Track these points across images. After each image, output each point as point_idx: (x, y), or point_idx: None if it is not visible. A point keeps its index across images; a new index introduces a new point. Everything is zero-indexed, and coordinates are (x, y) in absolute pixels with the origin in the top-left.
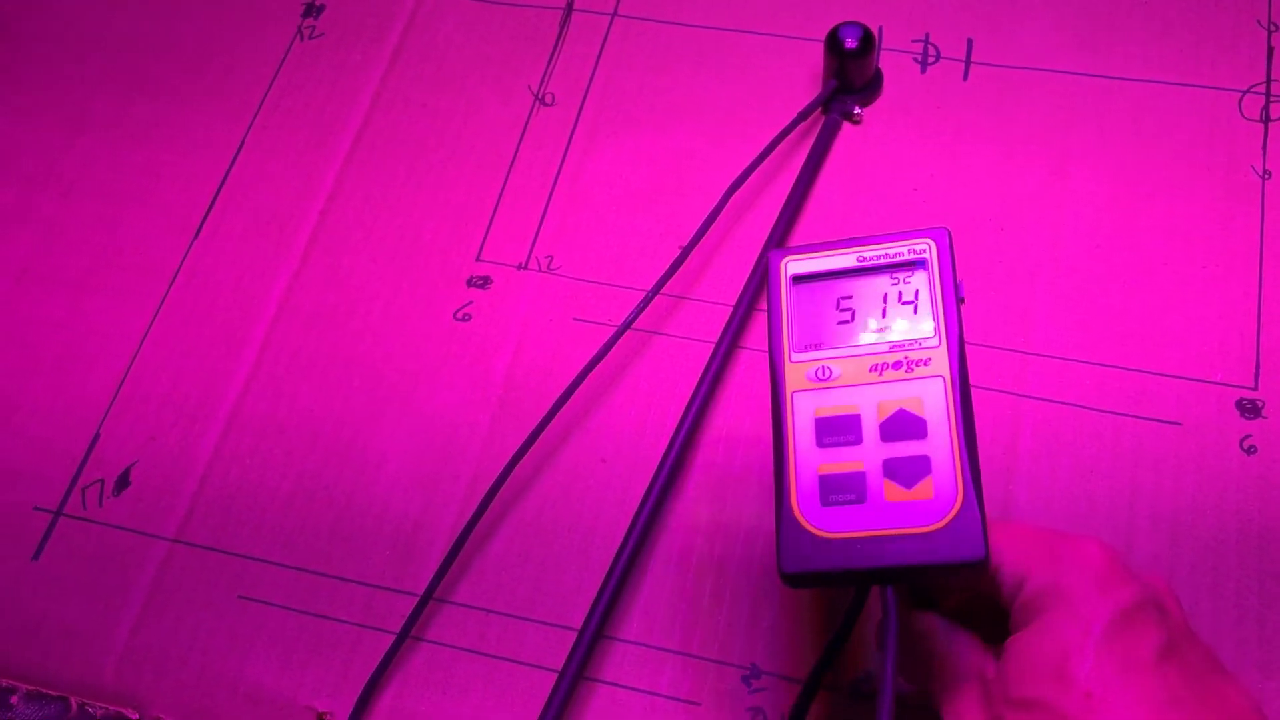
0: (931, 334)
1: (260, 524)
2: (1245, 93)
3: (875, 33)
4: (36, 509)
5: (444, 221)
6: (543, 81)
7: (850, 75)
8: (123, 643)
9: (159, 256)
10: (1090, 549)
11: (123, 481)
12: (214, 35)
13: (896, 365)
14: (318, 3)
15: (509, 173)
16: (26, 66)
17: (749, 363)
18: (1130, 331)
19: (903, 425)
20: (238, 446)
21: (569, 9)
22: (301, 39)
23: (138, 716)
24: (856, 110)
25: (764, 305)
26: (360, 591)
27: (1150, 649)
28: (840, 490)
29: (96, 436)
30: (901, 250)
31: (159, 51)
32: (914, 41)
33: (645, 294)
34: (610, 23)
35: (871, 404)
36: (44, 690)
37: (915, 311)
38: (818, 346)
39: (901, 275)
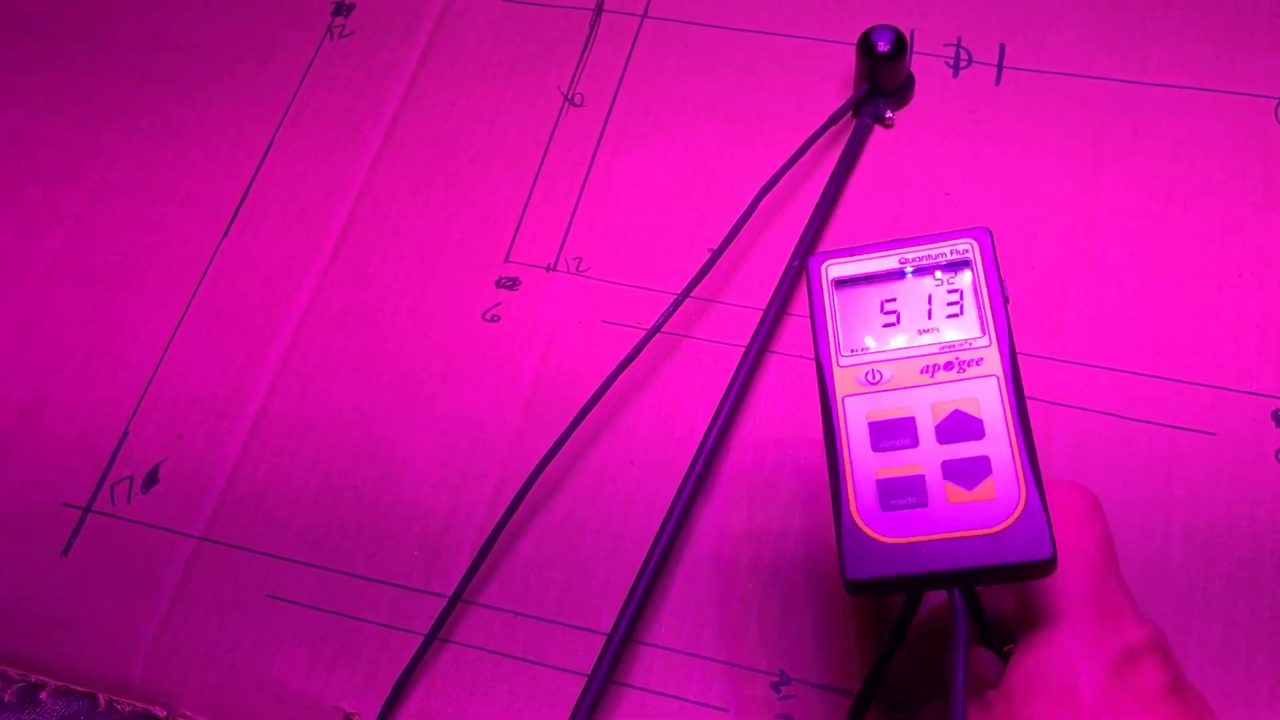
0: (980, 333)
1: (288, 523)
2: None
3: (907, 36)
4: (65, 505)
5: (472, 222)
6: (572, 82)
7: (882, 79)
8: (150, 640)
9: (188, 254)
10: (1088, 538)
11: (151, 479)
12: (244, 34)
13: (948, 366)
14: (347, 2)
15: (538, 174)
16: (56, 64)
17: (778, 367)
18: (1164, 339)
19: (959, 426)
20: (265, 444)
21: (599, 9)
22: (331, 38)
23: (165, 714)
24: (888, 114)
25: (795, 310)
26: (388, 592)
27: (1157, 685)
28: (900, 494)
29: (125, 434)
30: (944, 251)
31: (189, 50)
32: (946, 45)
33: (675, 297)
34: (640, 24)
35: (925, 406)
36: (72, 686)
37: (961, 312)
38: (865, 350)
39: (945, 276)
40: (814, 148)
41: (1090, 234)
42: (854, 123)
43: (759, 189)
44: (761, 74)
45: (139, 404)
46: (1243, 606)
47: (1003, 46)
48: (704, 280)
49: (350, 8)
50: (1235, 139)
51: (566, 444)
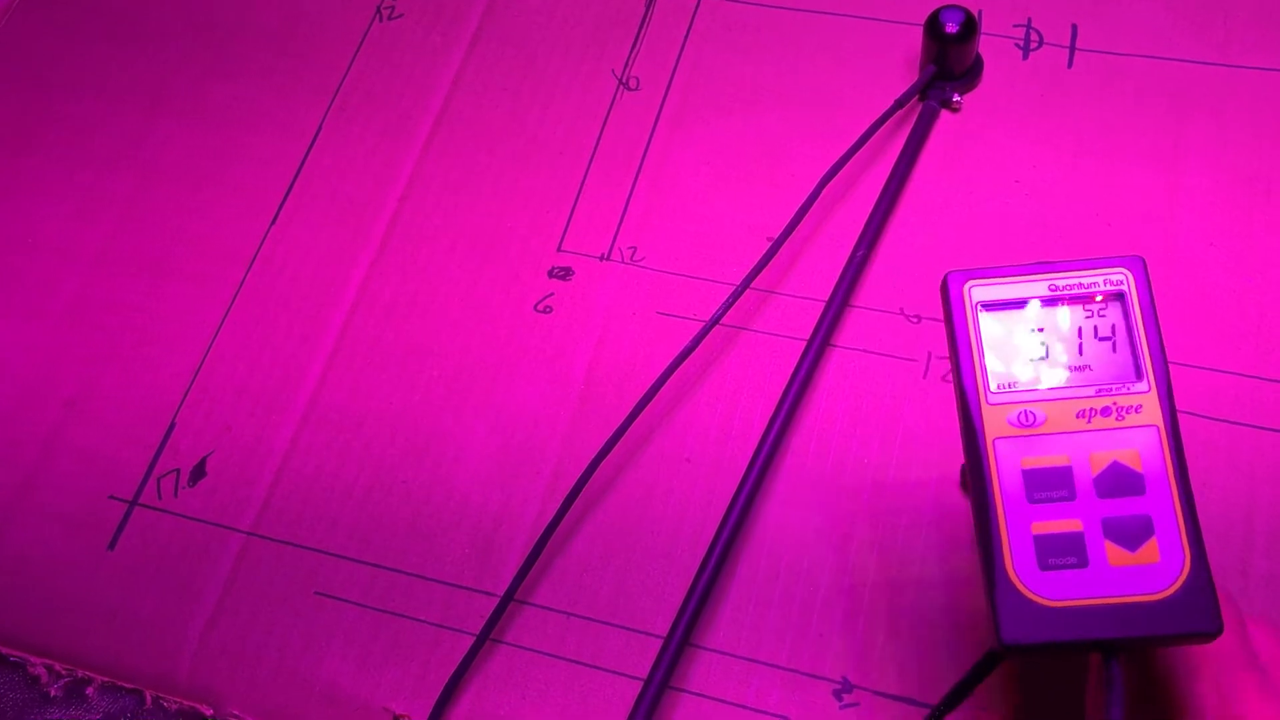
0: (1138, 377)
1: (337, 518)
2: None
3: (977, 16)
4: (112, 498)
5: (525, 210)
6: (627, 65)
7: (950, 61)
8: (198, 637)
9: (236, 241)
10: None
11: (198, 472)
12: (293, 16)
13: (1105, 411)
14: None
15: (591, 160)
16: (105, 47)
17: (841, 361)
18: (1246, 335)
19: (1119, 480)
20: (314, 438)
21: None
22: (381, 20)
23: (212, 713)
24: (956, 98)
25: (857, 302)
26: (439, 590)
27: None
28: (1059, 553)
29: (172, 425)
30: (1097, 280)
31: (237, 33)
32: (1015, 26)
33: (733, 288)
34: (698, 4)
35: (1083, 455)
36: (119, 682)
37: (1114, 349)
38: (1015, 386)
39: (1096, 308)
40: (878, 133)
41: (1169, 224)
42: (920, 107)
43: (821, 176)
44: (823, 56)
45: (186, 395)
46: None
47: (1075, 27)
48: (764, 271)
49: None
50: None
51: (621, 440)
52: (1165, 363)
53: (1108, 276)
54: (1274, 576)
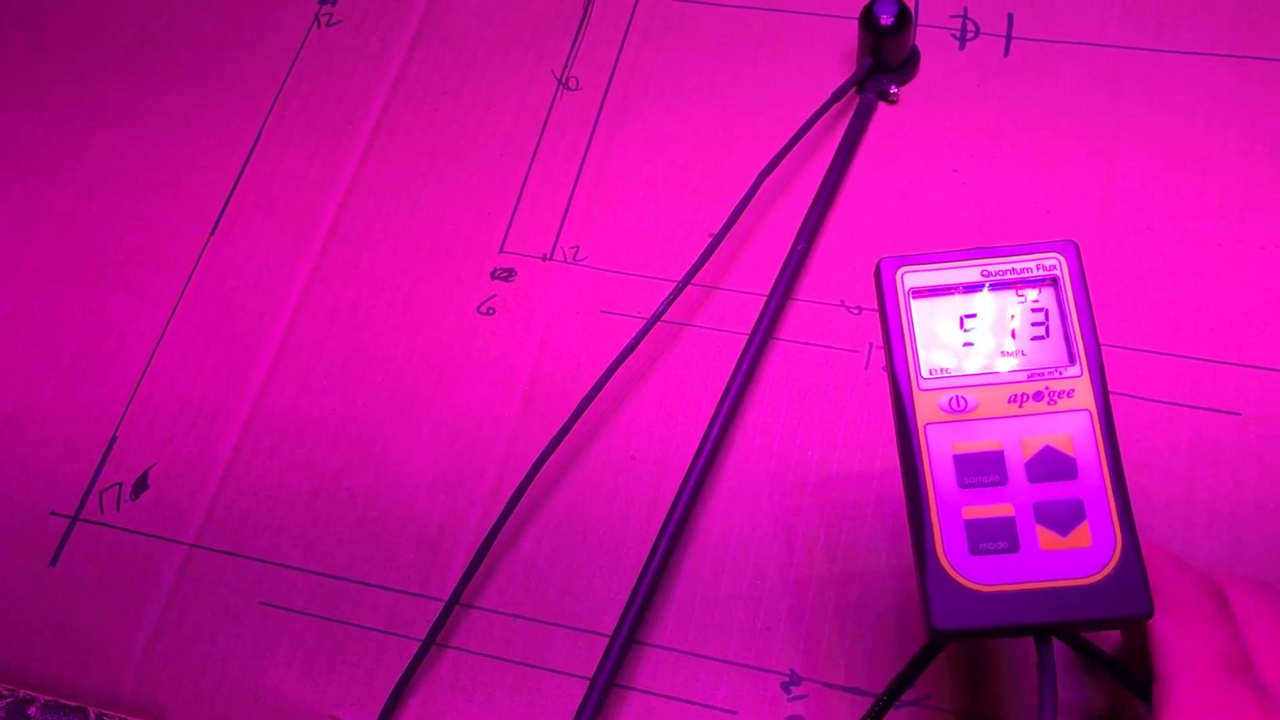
0: (1071, 361)
1: (281, 527)
2: None
3: (911, 8)
4: (53, 514)
5: (466, 212)
6: (566, 65)
7: (886, 53)
8: (142, 651)
9: (176, 252)
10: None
11: (140, 485)
12: (230, 25)
13: (1038, 396)
14: None
15: (532, 161)
16: (41, 60)
17: (783, 355)
18: (1184, 317)
19: (1051, 464)
20: (257, 447)
21: None
22: (319, 26)
23: None
24: (893, 89)
25: (799, 295)
26: (384, 597)
27: None
28: (990, 538)
29: (114, 439)
30: (1030, 265)
31: (175, 43)
32: (952, 17)
33: (675, 285)
34: (636, 3)
35: (1015, 440)
36: (62, 700)
37: (1047, 334)
38: (947, 371)
39: (1029, 293)
40: (816, 127)
41: (1106, 210)
42: (857, 100)
43: (760, 171)
44: (761, 52)
45: (127, 408)
46: None
47: (1011, 16)
48: (705, 266)
49: None
50: (1255, 108)
51: (565, 439)
52: (1098, 347)
53: (1041, 261)
54: (1218, 556)
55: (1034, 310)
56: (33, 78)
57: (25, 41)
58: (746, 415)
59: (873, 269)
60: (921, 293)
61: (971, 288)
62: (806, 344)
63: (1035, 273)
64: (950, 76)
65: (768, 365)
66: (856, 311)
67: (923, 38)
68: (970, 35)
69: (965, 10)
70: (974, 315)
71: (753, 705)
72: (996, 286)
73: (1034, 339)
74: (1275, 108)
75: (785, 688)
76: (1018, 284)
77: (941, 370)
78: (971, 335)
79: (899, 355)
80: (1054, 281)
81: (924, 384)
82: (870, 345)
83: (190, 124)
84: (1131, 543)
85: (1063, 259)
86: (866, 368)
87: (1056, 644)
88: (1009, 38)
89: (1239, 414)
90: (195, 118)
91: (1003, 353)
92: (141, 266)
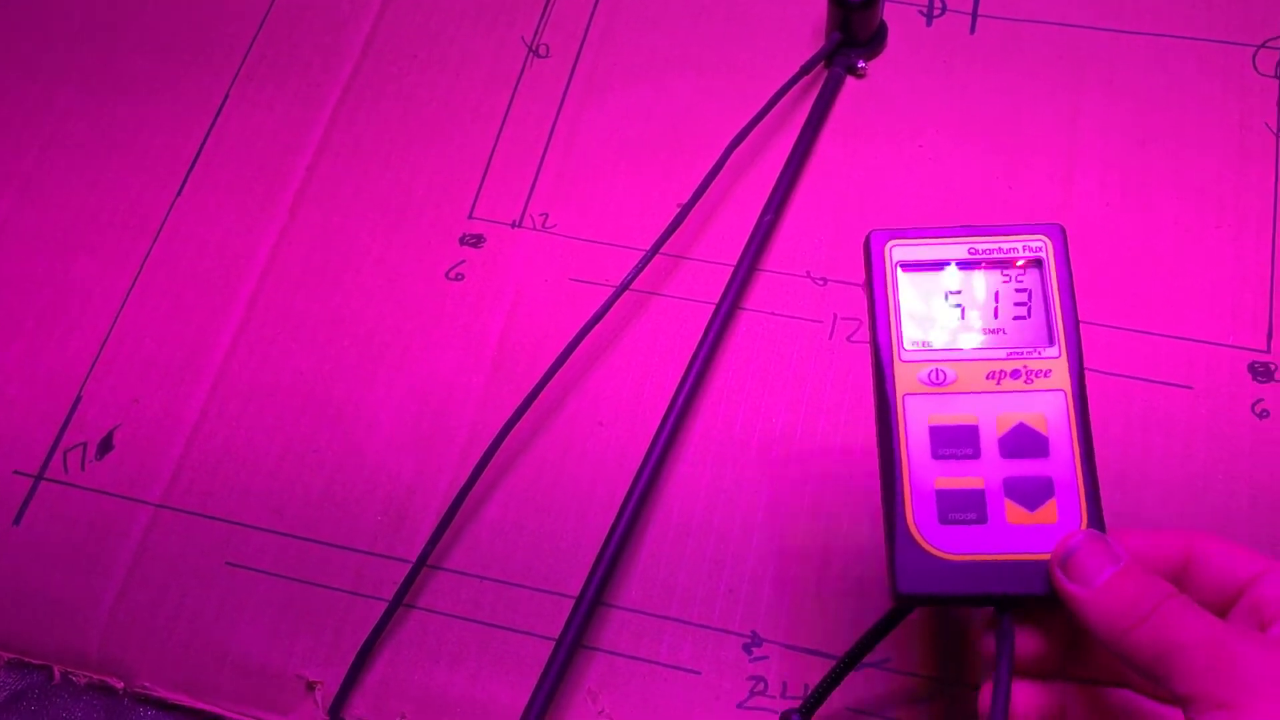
0: (1050, 342)
1: (248, 489)
2: (1260, 47)
3: None
4: (16, 473)
5: (435, 177)
6: (536, 32)
7: (854, 28)
8: (107, 611)
9: (141, 213)
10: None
11: (105, 445)
12: None
13: (1015, 374)
14: None
15: (502, 127)
16: (3, 19)
17: (749, 324)
18: (1140, 292)
19: (1023, 441)
20: (224, 409)
21: None
22: None
23: (123, 686)
24: (860, 64)
25: (766, 265)
26: (352, 558)
27: None
28: (959, 508)
29: (78, 399)
30: (1016, 246)
31: (142, 2)
32: None
33: (644, 254)
34: None
35: (990, 415)
36: (26, 659)
37: (1029, 314)
38: (929, 345)
39: (1014, 273)
40: (785, 99)
41: (1066, 186)
42: (826, 73)
43: (729, 142)
44: (732, 23)
45: (92, 368)
46: None
47: None
48: (673, 236)
49: None
50: (1212, 88)
51: (534, 405)
52: (1078, 330)
53: (1027, 243)
54: (1164, 519)
55: (1017, 290)
56: None
57: None
58: (712, 383)
59: (844, 245)
60: (909, 266)
61: (958, 265)
62: (772, 314)
63: (1021, 253)
64: (917, 52)
65: (734, 334)
66: (821, 283)
67: (890, 13)
68: (937, 12)
69: None
70: (959, 291)
71: (716, 666)
72: (983, 265)
73: (1015, 318)
74: (1229, 89)
75: (747, 649)
76: (1003, 264)
77: (923, 343)
78: (955, 311)
79: (882, 326)
80: (1039, 263)
81: (905, 355)
82: (834, 316)
83: (155, 86)
84: (1097, 522)
85: (1049, 241)
86: (830, 338)
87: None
88: (975, 15)
89: (1191, 388)
90: (160, 79)
91: (984, 329)
92: (106, 228)
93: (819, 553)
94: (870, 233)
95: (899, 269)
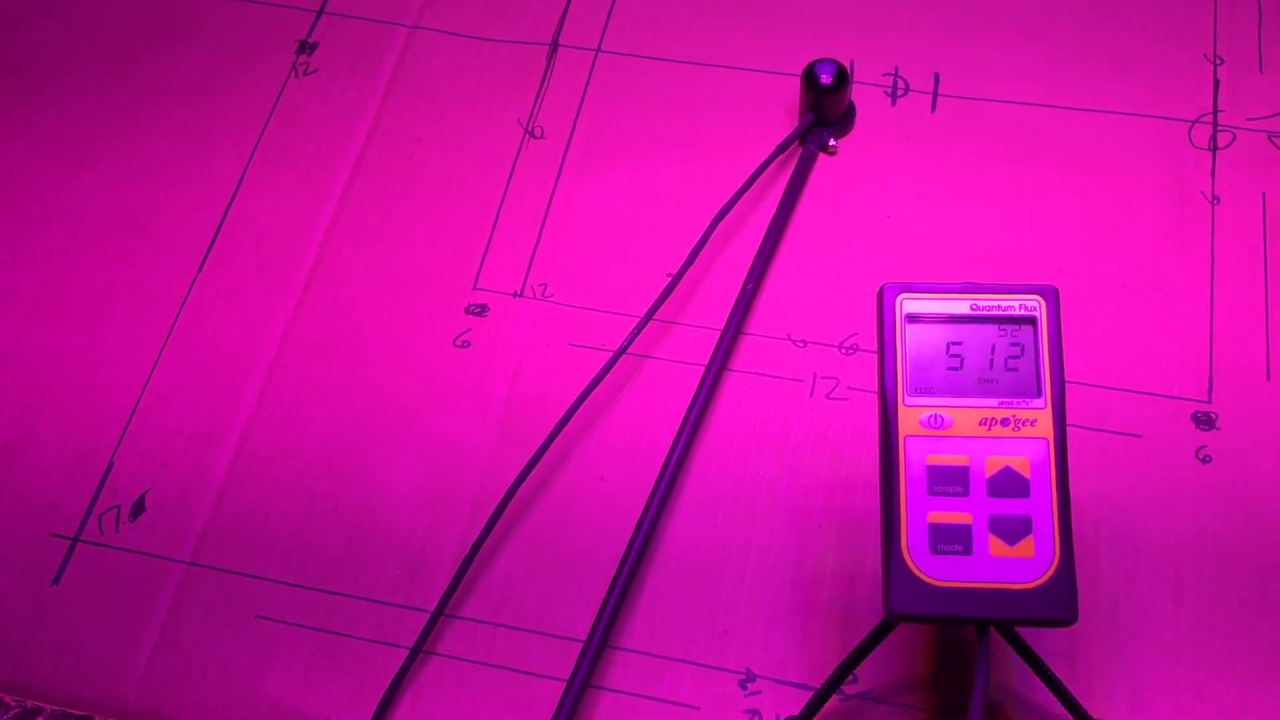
0: (1038, 394)
1: (274, 546)
2: (1194, 122)
3: (848, 67)
4: (54, 536)
5: (441, 251)
6: (531, 115)
7: (825, 109)
8: (144, 663)
9: (165, 288)
10: None
11: (138, 507)
12: (210, 72)
13: (1005, 422)
14: (311, 40)
15: (502, 204)
16: (25, 101)
17: (736, 384)
18: (1093, 349)
19: (1008, 483)
20: (249, 471)
21: (554, 45)
22: (296, 75)
23: None
24: (831, 142)
25: (750, 330)
26: (372, 609)
27: None
28: (949, 540)
29: (111, 464)
30: (1013, 304)
31: (155, 86)
32: (884, 75)
33: (638, 320)
34: (595, 58)
35: (980, 458)
36: (69, 710)
37: (1019, 368)
38: (930, 392)
39: (1010, 329)
40: (763, 176)
41: (1022, 253)
42: (800, 151)
43: (713, 215)
44: (712, 105)
45: (123, 435)
46: (1169, 600)
47: (937, 75)
48: (664, 303)
49: (314, 46)
50: (1154, 160)
51: (539, 462)
52: (1063, 384)
53: (1023, 302)
54: (1119, 561)
55: (1012, 345)
56: (16, 117)
57: (7, 87)
58: (704, 439)
59: (823, 308)
60: (916, 318)
61: (960, 319)
62: (757, 374)
63: (1017, 311)
64: (883, 130)
65: (722, 394)
66: (802, 345)
67: (858, 94)
68: (901, 92)
69: (896, 69)
70: (960, 343)
71: (713, 701)
72: (982, 320)
73: (1008, 371)
74: (1169, 160)
75: (742, 685)
76: (1000, 320)
77: (926, 389)
78: (954, 361)
79: (889, 372)
80: (1032, 321)
81: (909, 400)
82: (814, 375)
83: (173, 168)
84: (1067, 558)
85: (1043, 301)
86: (811, 396)
87: (1003, 644)
88: (935, 95)
89: (1140, 436)
90: (178, 161)
91: (980, 379)
92: (132, 302)
93: (806, 593)
94: (883, 285)
95: (907, 320)
